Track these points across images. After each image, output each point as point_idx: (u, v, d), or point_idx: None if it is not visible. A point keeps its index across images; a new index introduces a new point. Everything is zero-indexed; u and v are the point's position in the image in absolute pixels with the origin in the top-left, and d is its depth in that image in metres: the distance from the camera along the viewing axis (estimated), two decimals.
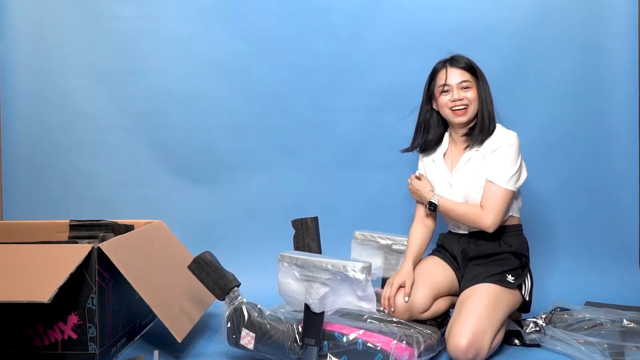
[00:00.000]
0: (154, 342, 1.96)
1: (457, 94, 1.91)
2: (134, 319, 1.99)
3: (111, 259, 1.68)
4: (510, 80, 2.54)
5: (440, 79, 1.95)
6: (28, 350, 1.71)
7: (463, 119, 1.92)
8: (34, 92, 2.70)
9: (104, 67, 2.66)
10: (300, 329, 1.67)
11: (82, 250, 1.66)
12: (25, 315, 1.70)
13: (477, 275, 1.88)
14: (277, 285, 1.72)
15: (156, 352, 1.66)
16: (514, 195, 1.91)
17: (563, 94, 2.55)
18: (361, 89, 2.60)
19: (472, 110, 1.93)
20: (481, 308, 1.76)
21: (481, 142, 1.91)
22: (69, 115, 2.69)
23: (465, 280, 1.91)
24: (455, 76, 1.93)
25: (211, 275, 1.71)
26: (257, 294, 1.86)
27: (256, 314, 1.69)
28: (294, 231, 2.03)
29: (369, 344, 1.63)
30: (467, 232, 1.96)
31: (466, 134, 1.95)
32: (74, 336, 1.69)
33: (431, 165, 2.03)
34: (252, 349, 1.69)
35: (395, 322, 1.81)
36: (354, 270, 1.59)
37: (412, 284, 1.86)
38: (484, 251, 1.92)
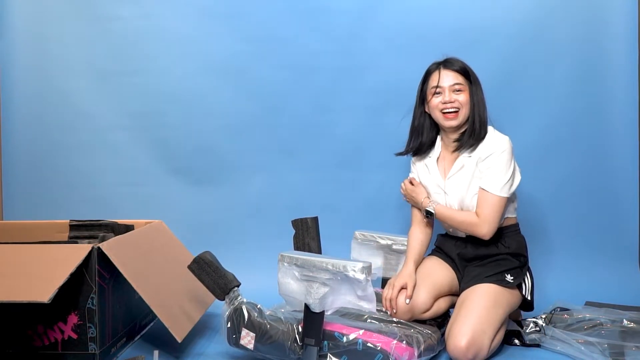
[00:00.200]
0: (154, 342, 1.96)
1: (448, 97, 1.89)
2: (134, 319, 1.99)
3: (111, 259, 1.68)
4: (510, 80, 2.54)
5: (433, 81, 1.93)
6: (28, 350, 1.71)
7: (453, 122, 1.90)
8: (34, 92, 2.70)
9: (104, 67, 2.66)
10: (300, 329, 1.67)
11: (82, 250, 1.66)
12: (25, 315, 1.70)
13: (476, 275, 1.88)
14: (277, 285, 1.71)
15: (156, 352, 1.66)
16: (509, 199, 1.90)
17: (563, 94, 2.55)
18: (361, 89, 2.60)
19: (463, 114, 1.90)
20: (480, 308, 1.76)
21: (472, 146, 1.89)
22: (69, 115, 2.69)
23: (464, 281, 1.91)
24: (448, 78, 1.91)
25: (211, 275, 1.71)
26: (257, 294, 1.86)
27: (256, 314, 1.69)
28: (294, 231, 2.03)
29: (369, 344, 1.63)
30: (464, 236, 1.96)
31: (457, 139, 1.93)
32: (74, 336, 1.69)
33: (424, 170, 2.02)
34: (252, 349, 1.69)
35: (395, 322, 1.82)
36: (354, 270, 1.58)
37: (414, 286, 1.86)
38: (482, 253, 1.92)
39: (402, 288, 1.86)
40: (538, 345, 1.90)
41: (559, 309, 2.11)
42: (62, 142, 2.70)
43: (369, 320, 1.79)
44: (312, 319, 1.64)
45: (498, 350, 1.85)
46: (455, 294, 1.95)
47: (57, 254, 1.66)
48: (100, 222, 2.25)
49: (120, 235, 1.91)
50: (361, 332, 1.66)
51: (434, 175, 1.98)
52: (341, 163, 2.64)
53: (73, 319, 1.69)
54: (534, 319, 2.00)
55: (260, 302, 1.75)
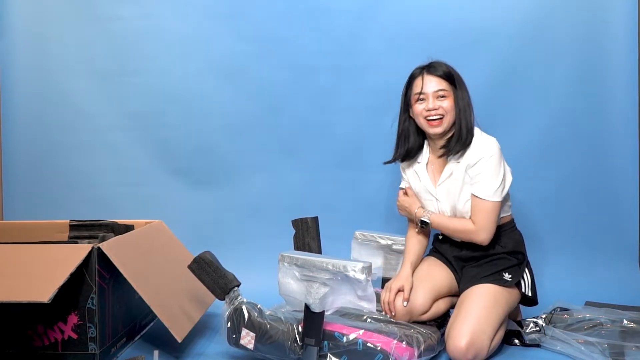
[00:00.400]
0: (154, 342, 1.96)
1: (432, 103, 1.85)
2: (134, 319, 1.99)
3: (111, 259, 1.68)
4: (510, 80, 2.54)
5: (416, 87, 1.89)
6: (28, 350, 1.71)
7: (438, 129, 1.86)
8: (34, 92, 2.70)
9: (104, 67, 2.66)
10: (300, 329, 1.67)
11: (82, 250, 1.66)
12: (25, 315, 1.70)
13: (474, 276, 1.88)
14: (277, 285, 1.71)
15: (156, 352, 1.66)
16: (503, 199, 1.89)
17: (563, 94, 2.55)
18: (361, 89, 2.60)
19: (447, 120, 1.86)
20: (479, 308, 1.76)
21: (458, 152, 1.86)
22: (69, 115, 2.69)
23: (463, 282, 1.91)
24: (431, 84, 1.86)
25: (211, 275, 1.71)
26: (257, 294, 1.86)
27: (256, 314, 1.69)
28: (294, 231, 2.03)
29: (369, 344, 1.63)
30: (459, 239, 1.96)
31: (444, 146, 1.89)
32: (74, 336, 1.69)
33: (414, 177, 2.00)
34: (252, 349, 1.69)
35: (395, 322, 1.81)
36: (354, 271, 1.58)
37: (411, 288, 1.86)
38: (478, 255, 1.91)
39: (399, 291, 1.86)
40: (538, 345, 1.90)
41: (559, 309, 2.11)
42: (62, 142, 2.70)
43: (368, 320, 1.79)
44: (312, 319, 1.64)
45: (498, 350, 1.85)
46: (455, 294, 1.95)
47: (57, 254, 1.66)
48: (100, 222, 2.25)
49: (120, 235, 1.91)
50: (361, 332, 1.66)
51: (425, 181, 1.96)
52: (341, 163, 2.64)
53: (73, 319, 1.69)
54: (534, 319, 2.00)
55: (260, 302, 1.75)
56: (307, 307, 1.64)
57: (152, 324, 2.16)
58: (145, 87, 2.67)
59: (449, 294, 1.95)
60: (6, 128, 2.72)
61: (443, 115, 1.85)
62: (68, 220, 2.26)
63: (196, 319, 1.89)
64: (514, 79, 2.54)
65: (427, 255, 2.07)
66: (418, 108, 1.89)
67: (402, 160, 2.02)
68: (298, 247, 2.02)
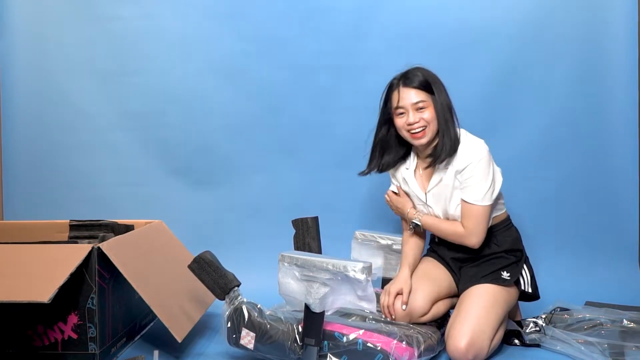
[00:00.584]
0: (154, 342, 1.96)
1: (412, 117, 1.81)
2: (134, 319, 1.99)
3: (111, 259, 1.68)
4: (511, 80, 2.54)
5: (395, 100, 1.85)
6: (28, 350, 1.71)
7: (423, 140, 1.84)
8: (34, 92, 2.70)
9: (104, 67, 2.66)
10: (300, 329, 1.67)
11: (82, 250, 1.66)
12: (25, 315, 1.70)
13: (472, 276, 1.88)
14: (277, 285, 1.71)
15: (156, 352, 1.66)
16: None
17: (563, 94, 2.55)
18: (361, 89, 2.60)
19: (431, 130, 1.83)
20: (479, 309, 1.76)
21: (446, 159, 1.84)
22: (69, 115, 2.69)
23: (461, 282, 1.91)
24: (408, 97, 1.82)
25: (211, 274, 1.71)
26: (257, 294, 1.86)
27: (256, 314, 1.69)
28: (294, 231, 2.03)
29: (369, 344, 1.63)
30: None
31: (430, 154, 1.87)
32: (74, 336, 1.69)
33: (403, 183, 1.99)
34: (252, 348, 1.69)
35: (395, 322, 1.81)
36: (355, 271, 1.58)
37: (410, 291, 1.86)
38: (475, 256, 1.91)
39: (398, 294, 1.86)
40: (538, 345, 1.90)
41: (559, 309, 2.11)
42: (62, 142, 2.70)
43: (368, 320, 1.79)
44: (312, 319, 1.64)
45: (498, 350, 1.85)
46: (455, 295, 1.95)
47: (57, 254, 1.66)
48: (100, 222, 2.25)
49: (120, 235, 1.91)
50: (361, 332, 1.66)
51: (414, 188, 1.95)
52: (341, 163, 2.64)
53: (73, 319, 1.69)
54: (534, 319, 2.00)
55: (260, 302, 1.75)
56: (307, 307, 1.64)
57: (152, 324, 2.16)
58: (145, 87, 2.66)
59: (448, 295, 1.94)
60: (6, 128, 2.72)
61: (426, 126, 1.82)
62: (68, 220, 2.26)
63: (196, 319, 1.89)
64: (514, 79, 2.54)
65: (425, 255, 2.07)
66: (400, 122, 1.85)
67: (382, 171, 2.00)
68: (298, 247, 2.01)
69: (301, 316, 1.68)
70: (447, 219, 1.90)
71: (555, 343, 1.85)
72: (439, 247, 2.01)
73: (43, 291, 1.47)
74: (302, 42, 2.60)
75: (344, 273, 1.59)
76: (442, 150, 1.82)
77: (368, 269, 1.61)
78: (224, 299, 1.71)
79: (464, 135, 1.86)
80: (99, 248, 1.68)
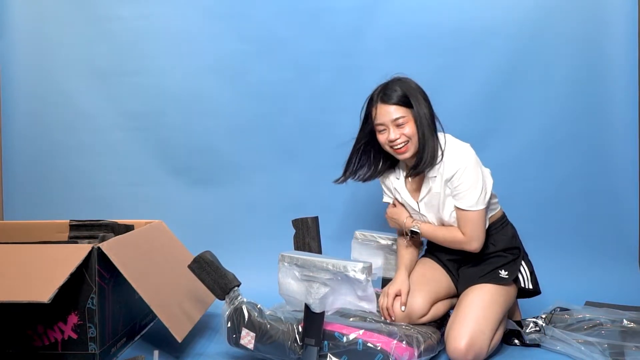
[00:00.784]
0: (154, 342, 1.96)
1: (393, 134, 1.80)
2: (134, 319, 1.99)
3: (111, 259, 1.68)
4: (511, 80, 2.54)
5: (374, 117, 1.84)
6: (28, 350, 1.71)
7: (406, 155, 1.83)
8: (34, 92, 2.70)
9: (104, 67, 2.67)
10: (300, 329, 1.67)
11: (82, 250, 1.66)
12: (25, 315, 1.70)
13: (471, 276, 1.88)
14: (277, 285, 1.71)
15: (156, 352, 1.65)
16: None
17: (563, 94, 2.55)
18: (361, 89, 2.59)
19: (414, 143, 1.81)
20: (478, 309, 1.76)
21: (424, 171, 1.83)
22: (69, 115, 2.69)
23: (460, 283, 1.91)
24: (388, 114, 1.80)
25: (211, 274, 1.71)
26: (257, 294, 1.86)
27: (256, 314, 1.69)
28: (294, 231, 2.03)
29: (369, 344, 1.63)
30: None
31: (413, 167, 1.85)
32: (74, 336, 1.69)
33: (395, 193, 1.99)
34: (252, 348, 1.69)
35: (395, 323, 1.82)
36: (355, 271, 1.58)
37: (408, 292, 1.86)
38: (472, 257, 1.91)
39: (397, 295, 1.86)
40: (538, 345, 1.90)
41: (559, 309, 2.11)
42: (62, 142, 2.70)
43: (368, 320, 1.79)
44: (312, 319, 1.64)
45: (498, 350, 1.85)
46: (454, 296, 1.95)
47: (57, 254, 1.66)
48: (100, 222, 2.25)
49: (120, 235, 1.90)
50: (361, 332, 1.66)
51: (406, 197, 1.94)
52: (341, 163, 2.62)
53: (73, 319, 1.69)
54: (534, 319, 2.00)
55: (260, 302, 1.75)
56: (307, 307, 1.64)
57: (152, 324, 2.16)
58: (145, 87, 2.67)
59: (448, 296, 1.94)
60: (6, 128, 2.72)
61: (408, 140, 1.81)
62: (68, 220, 2.26)
63: (196, 319, 1.88)
64: (514, 79, 2.54)
65: (423, 256, 2.07)
66: (381, 138, 1.85)
67: (364, 181, 1.99)
68: (298, 247, 2.01)
69: (301, 316, 1.68)
70: (443, 225, 1.90)
71: (555, 343, 1.85)
72: (435, 248, 2.01)
73: (43, 291, 1.47)
74: (302, 42, 2.60)
75: (344, 273, 1.59)
76: (421, 162, 1.81)
77: (368, 269, 1.60)
78: (224, 299, 1.71)
79: (449, 141, 1.84)
80: (99, 248, 1.68)
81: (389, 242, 2.18)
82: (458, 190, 1.80)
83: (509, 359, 1.83)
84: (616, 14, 2.52)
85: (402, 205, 1.99)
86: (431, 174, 1.84)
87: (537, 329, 1.95)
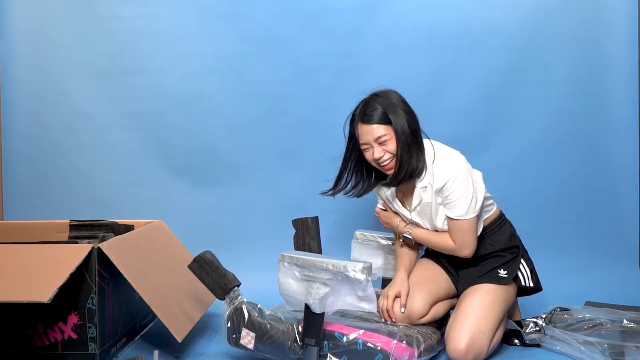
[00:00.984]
0: (154, 342, 1.96)
1: (377, 153, 1.80)
2: (134, 319, 1.99)
3: (111, 259, 1.68)
4: (511, 80, 2.54)
5: (359, 137, 1.84)
6: (28, 350, 1.71)
7: (392, 171, 1.83)
8: (34, 92, 2.70)
9: (104, 67, 2.67)
10: (300, 329, 1.67)
11: (82, 250, 1.66)
12: (25, 315, 1.70)
13: (470, 277, 1.88)
14: (277, 285, 1.71)
15: (156, 352, 1.66)
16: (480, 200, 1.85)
17: (563, 94, 2.55)
18: (361, 89, 2.59)
19: (399, 158, 1.81)
20: (477, 309, 1.76)
21: (403, 183, 1.83)
22: (69, 115, 2.69)
23: (460, 284, 1.91)
24: (370, 133, 1.80)
25: (211, 274, 1.71)
26: (257, 294, 1.86)
27: (256, 314, 1.69)
28: (294, 231, 2.03)
29: (369, 344, 1.63)
30: None
31: (394, 177, 1.84)
32: (74, 336, 1.69)
33: (387, 202, 1.99)
34: (252, 348, 1.69)
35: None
36: (355, 271, 1.58)
37: (408, 294, 1.86)
38: (471, 258, 1.91)
39: (396, 297, 1.86)
40: (538, 345, 1.90)
41: (559, 309, 2.11)
42: (62, 142, 2.70)
43: (368, 320, 1.79)
44: (313, 319, 1.64)
45: (498, 350, 1.85)
46: (455, 296, 1.95)
47: (57, 254, 1.66)
48: (100, 222, 2.25)
49: (120, 235, 1.90)
50: (361, 332, 1.66)
51: (398, 207, 1.95)
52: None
53: (73, 319, 1.69)
54: (534, 319, 2.00)
55: (260, 302, 1.75)
56: (307, 307, 1.64)
57: (152, 324, 2.16)
58: (145, 87, 2.67)
59: (447, 296, 1.94)
60: (6, 128, 2.72)
61: (392, 157, 1.81)
62: (68, 220, 2.26)
63: (196, 319, 1.88)
64: (514, 79, 2.54)
65: (422, 256, 2.06)
66: (367, 155, 1.85)
67: (359, 196, 2.01)
68: (298, 247, 2.01)
69: (301, 316, 1.68)
70: (437, 230, 1.90)
71: (555, 343, 1.85)
72: (435, 250, 2.01)
73: (43, 291, 1.47)
74: (302, 42, 2.60)
75: (344, 273, 1.59)
76: (398, 174, 1.81)
77: (368, 269, 1.60)
78: (224, 299, 1.71)
79: (438, 150, 1.83)
80: (99, 248, 1.68)
81: (389, 242, 2.18)
82: (449, 199, 1.79)
83: (509, 359, 1.83)
84: (616, 14, 2.52)
85: (396, 213, 1.99)
86: (421, 184, 1.84)
87: (537, 329, 1.95)
